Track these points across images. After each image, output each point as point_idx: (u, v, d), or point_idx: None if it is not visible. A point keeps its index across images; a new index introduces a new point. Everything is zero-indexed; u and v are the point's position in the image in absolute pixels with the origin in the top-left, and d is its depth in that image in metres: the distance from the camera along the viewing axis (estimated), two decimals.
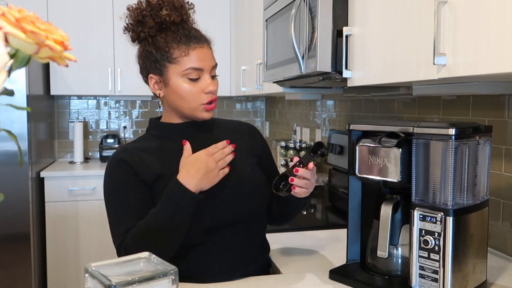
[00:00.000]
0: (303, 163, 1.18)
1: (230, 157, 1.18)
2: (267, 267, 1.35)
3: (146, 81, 1.27)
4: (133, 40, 1.24)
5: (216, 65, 1.25)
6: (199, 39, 1.21)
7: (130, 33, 1.24)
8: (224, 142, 1.19)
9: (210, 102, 1.22)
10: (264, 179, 1.28)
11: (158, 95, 1.25)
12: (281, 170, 1.34)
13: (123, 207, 1.18)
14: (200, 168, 1.13)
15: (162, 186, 1.17)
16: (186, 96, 1.20)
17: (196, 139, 1.25)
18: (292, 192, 1.19)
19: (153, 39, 1.21)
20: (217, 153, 1.16)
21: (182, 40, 1.18)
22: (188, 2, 1.26)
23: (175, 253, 1.17)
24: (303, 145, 2.77)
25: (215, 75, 1.25)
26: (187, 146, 1.18)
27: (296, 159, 1.20)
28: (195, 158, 1.15)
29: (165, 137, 1.26)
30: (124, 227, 1.16)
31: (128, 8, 1.22)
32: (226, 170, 1.18)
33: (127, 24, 1.23)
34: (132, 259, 0.93)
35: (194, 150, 1.24)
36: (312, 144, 2.82)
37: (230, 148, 1.19)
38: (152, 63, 1.21)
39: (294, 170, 1.16)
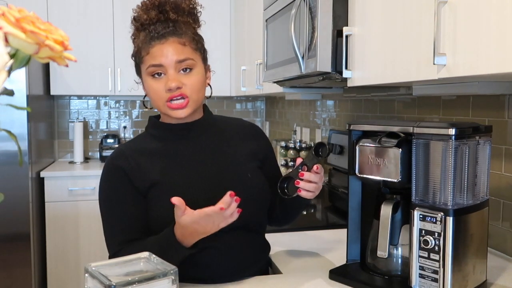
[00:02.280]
0: (307, 165, 1.16)
1: (235, 216, 1.06)
2: (267, 268, 1.35)
3: None
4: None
5: (186, 59, 1.16)
6: (161, 36, 1.16)
7: (132, 38, 1.27)
8: (229, 202, 1.04)
9: (173, 99, 1.15)
10: (265, 183, 1.26)
11: (145, 96, 1.26)
12: (282, 170, 1.33)
13: (116, 218, 1.18)
14: (198, 231, 1.06)
15: (157, 193, 1.16)
16: (152, 95, 1.19)
17: (196, 140, 1.25)
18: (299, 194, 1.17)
19: (134, 43, 1.24)
20: (220, 218, 1.04)
21: (148, 39, 1.18)
22: None
23: None
24: (303, 145, 2.77)
25: (190, 68, 1.17)
26: (179, 205, 1.03)
27: (299, 160, 1.18)
28: (195, 222, 1.03)
29: (164, 137, 1.25)
30: (117, 239, 1.16)
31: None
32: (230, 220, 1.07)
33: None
34: (132, 259, 0.93)
35: (194, 151, 1.23)
36: (313, 144, 2.82)
37: (234, 206, 1.05)
38: (135, 68, 1.25)
39: (299, 174, 1.14)
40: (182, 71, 1.17)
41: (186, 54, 1.16)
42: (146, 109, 1.31)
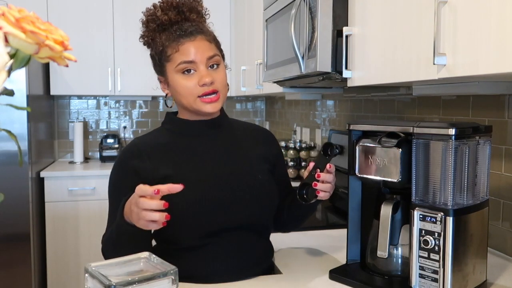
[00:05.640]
0: (319, 167, 1.18)
1: (157, 216, 0.97)
2: (271, 271, 1.34)
3: None
4: (147, 46, 1.28)
5: (214, 55, 1.21)
6: (190, 34, 1.19)
7: (144, 39, 1.27)
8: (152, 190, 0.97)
9: (206, 94, 1.18)
10: (274, 186, 1.28)
11: (166, 95, 1.27)
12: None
13: (114, 211, 1.19)
14: (131, 203, 1.02)
15: None
16: (182, 91, 1.20)
17: (210, 138, 1.26)
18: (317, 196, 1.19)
19: (154, 42, 1.23)
20: (143, 200, 0.97)
21: (174, 37, 1.19)
22: None
23: (181, 254, 1.18)
24: (303, 145, 2.77)
25: (218, 64, 1.22)
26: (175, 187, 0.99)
27: (311, 164, 1.20)
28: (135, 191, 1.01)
29: (179, 132, 1.27)
30: (109, 226, 1.21)
31: (140, 20, 1.26)
32: (154, 225, 1.00)
33: (142, 33, 1.27)
34: (132, 259, 0.93)
35: (207, 150, 1.25)
36: (313, 144, 2.83)
37: (158, 204, 0.97)
38: (156, 66, 1.25)
39: (316, 175, 1.16)
40: (210, 68, 1.20)
41: (214, 50, 1.22)
42: (168, 108, 1.31)
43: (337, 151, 1.19)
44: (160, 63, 1.22)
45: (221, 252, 1.19)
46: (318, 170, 1.18)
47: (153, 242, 1.26)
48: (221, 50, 1.27)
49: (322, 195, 1.18)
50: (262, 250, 1.29)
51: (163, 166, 1.19)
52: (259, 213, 1.24)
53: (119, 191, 1.19)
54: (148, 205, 0.96)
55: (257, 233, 1.26)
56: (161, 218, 0.97)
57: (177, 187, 0.97)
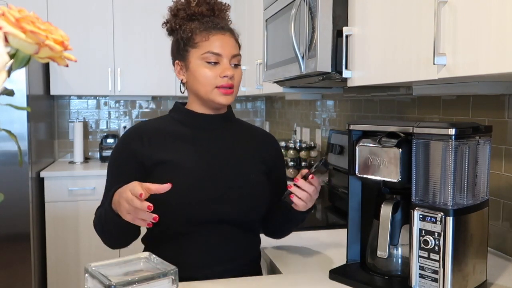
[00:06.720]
0: (305, 177, 1.19)
1: (145, 216, 1.02)
2: (258, 262, 1.35)
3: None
4: (169, 33, 1.33)
5: (237, 55, 1.28)
6: (221, 28, 1.26)
7: (167, 25, 1.32)
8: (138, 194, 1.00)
9: (226, 87, 1.23)
10: (267, 189, 1.29)
11: (181, 80, 1.31)
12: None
13: (111, 188, 1.21)
14: (121, 196, 1.05)
15: (162, 171, 1.20)
16: (202, 79, 1.23)
17: (213, 132, 1.29)
18: (292, 204, 1.19)
19: (181, 28, 1.28)
20: (134, 199, 1.00)
21: (206, 27, 1.25)
22: (224, 3, 1.34)
23: (168, 241, 1.21)
24: (303, 145, 2.77)
25: (238, 65, 1.28)
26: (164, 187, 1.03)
27: (305, 171, 1.21)
28: (127, 185, 1.05)
29: (185, 123, 1.29)
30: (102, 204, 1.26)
31: (168, 8, 1.32)
32: (141, 223, 1.04)
33: (166, 20, 1.32)
34: (132, 259, 0.94)
35: (207, 143, 1.27)
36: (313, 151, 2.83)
37: (141, 204, 1.00)
38: (179, 50, 1.29)
39: (294, 179, 1.19)
40: (231, 65, 1.26)
41: (238, 50, 1.29)
42: (181, 93, 1.34)
43: (323, 167, 1.19)
44: (184, 48, 1.27)
45: (209, 241, 1.21)
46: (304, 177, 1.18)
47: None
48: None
49: (296, 201, 1.18)
50: (248, 242, 1.30)
51: (161, 152, 1.23)
52: (245, 212, 1.25)
53: (117, 169, 1.27)
54: (135, 205, 1.00)
55: (244, 229, 1.27)
56: (149, 218, 1.02)
57: (165, 187, 1.01)
